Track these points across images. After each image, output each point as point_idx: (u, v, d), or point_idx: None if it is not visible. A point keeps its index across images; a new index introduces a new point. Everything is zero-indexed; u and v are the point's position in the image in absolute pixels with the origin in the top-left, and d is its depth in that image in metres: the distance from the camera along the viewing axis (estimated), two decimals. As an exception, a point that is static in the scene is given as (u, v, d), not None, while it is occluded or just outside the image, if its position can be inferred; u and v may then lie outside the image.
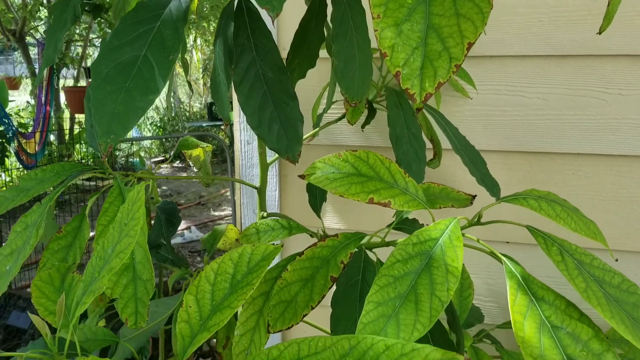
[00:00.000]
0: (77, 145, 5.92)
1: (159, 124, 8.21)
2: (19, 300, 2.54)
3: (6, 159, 4.26)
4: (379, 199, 0.63)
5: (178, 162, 7.60)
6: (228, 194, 6.12)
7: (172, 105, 8.47)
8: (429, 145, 1.14)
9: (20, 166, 4.82)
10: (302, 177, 0.68)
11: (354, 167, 0.66)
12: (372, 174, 0.66)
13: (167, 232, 0.90)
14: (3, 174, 5.34)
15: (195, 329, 0.61)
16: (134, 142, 7.16)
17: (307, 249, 0.70)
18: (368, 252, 0.73)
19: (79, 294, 0.62)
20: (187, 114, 8.53)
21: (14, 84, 6.81)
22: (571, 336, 0.54)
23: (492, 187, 0.98)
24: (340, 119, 1.05)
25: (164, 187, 6.49)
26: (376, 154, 0.67)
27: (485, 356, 0.93)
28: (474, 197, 0.78)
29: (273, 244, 0.67)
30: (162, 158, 7.70)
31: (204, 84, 8.33)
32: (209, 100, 8.11)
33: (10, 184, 4.95)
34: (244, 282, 0.63)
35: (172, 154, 1.13)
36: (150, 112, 8.54)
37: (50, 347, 0.61)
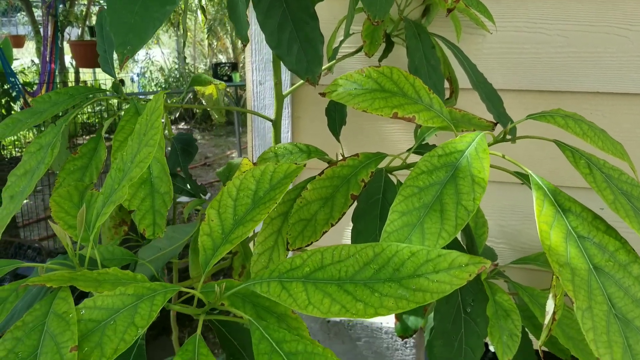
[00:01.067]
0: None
1: (163, 85, 8.15)
2: (29, 250, 2.56)
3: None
4: (403, 114, 0.62)
5: (183, 123, 7.57)
6: (234, 155, 6.11)
7: (177, 65, 8.39)
8: (445, 84, 1.12)
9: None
10: (323, 94, 0.67)
11: (377, 83, 0.65)
12: (395, 90, 0.64)
13: (183, 162, 0.89)
14: (9, 132, 5.30)
15: (217, 242, 0.60)
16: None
17: (326, 168, 0.69)
18: (389, 175, 0.72)
19: (99, 206, 0.62)
20: (192, 75, 8.44)
21: (19, 41, 6.74)
22: (598, 246, 0.53)
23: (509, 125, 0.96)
24: (357, 51, 1.03)
25: (168, 149, 6.48)
26: (400, 69, 0.65)
27: (500, 290, 0.93)
28: (495, 124, 0.77)
29: (295, 164, 0.66)
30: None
31: (209, 45, 8.23)
32: (214, 61, 8.02)
33: (17, 142, 4.94)
34: (266, 197, 0.63)
35: (184, 90, 1.11)
36: (155, 74, 8.47)
37: (72, 258, 0.61)
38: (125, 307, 0.52)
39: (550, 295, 0.63)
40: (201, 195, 0.92)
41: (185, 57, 8.41)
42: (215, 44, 7.99)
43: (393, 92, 0.64)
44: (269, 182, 0.64)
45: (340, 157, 0.82)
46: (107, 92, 0.81)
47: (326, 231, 0.67)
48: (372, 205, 0.66)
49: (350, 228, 0.67)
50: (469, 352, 0.66)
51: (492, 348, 1.56)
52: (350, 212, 0.69)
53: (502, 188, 1.20)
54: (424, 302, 0.50)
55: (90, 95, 0.80)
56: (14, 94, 4.19)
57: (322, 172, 0.68)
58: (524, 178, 0.65)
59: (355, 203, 0.67)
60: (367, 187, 0.67)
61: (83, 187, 0.70)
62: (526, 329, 1.01)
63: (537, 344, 1.03)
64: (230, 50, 7.90)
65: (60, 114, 0.81)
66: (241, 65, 7.22)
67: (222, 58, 8.06)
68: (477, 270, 0.50)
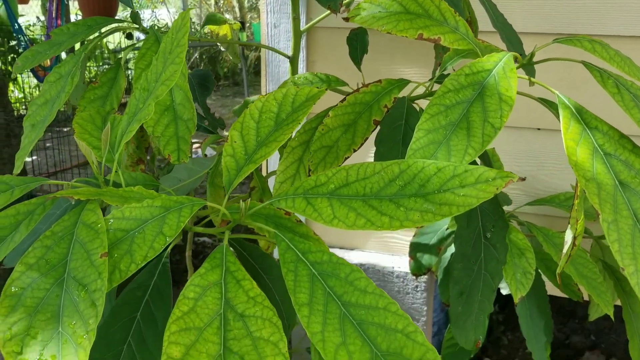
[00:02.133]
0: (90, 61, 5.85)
1: (170, 46, 8.07)
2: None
3: (18, 75, 4.22)
4: (429, 35, 0.61)
5: (190, 84, 7.50)
6: (241, 116, 6.08)
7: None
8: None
9: (32, 82, 4.79)
10: (346, 19, 0.66)
11: (401, 5, 0.64)
12: (420, 12, 0.63)
13: (200, 96, 0.88)
14: (16, 91, 5.31)
15: (240, 163, 0.61)
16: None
17: (348, 94, 0.69)
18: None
19: (124, 126, 0.62)
20: (198, 35, 8.35)
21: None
22: (624, 164, 0.53)
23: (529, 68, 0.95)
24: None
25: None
26: (425, -8, 0.64)
27: (515, 229, 0.93)
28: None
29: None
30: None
31: (215, 4, 8.11)
32: (221, 21, 7.90)
33: (23, 99, 4.93)
34: (288, 119, 0.62)
35: (199, 30, 1.10)
36: (161, 34, 8.36)
37: (97, 176, 0.62)
38: (153, 218, 0.53)
39: (570, 225, 0.63)
40: (219, 130, 0.92)
41: (190, 18, 8.30)
42: (221, 2, 7.88)
43: (418, 14, 0.63)
44: (291, 104, 0.64)
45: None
46: (126, 23, 0.80)
47: (348, 157, 0.67)
48: (394, 131, 0.66)
49: (372, 153, 0.67)
50: (488, 277, 0.67)
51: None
52: (372, 139, 0.68)
53: (518, 133, 1.19)
54: (450, 215, 0.50)
55: (110, 26, 0.80)
56: (20, 50, 4.16)
57: (344, 99, 0.68)
58: (549, 104, 0.65)
59: (378, 128, 0.67)
60: (390, 113, 0.67)
61: (105, 112, 0.70)
62: (539, 270, 1.02)
63: (550, 286, 1.04)
64: (236, 10, 7.79)
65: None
66: (247, 25, 7.13)
67: (229, 17, 7.95)
68: (505, 183, 0.51)
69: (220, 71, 7.04)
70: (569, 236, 0.65)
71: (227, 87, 7.29)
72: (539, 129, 1.17)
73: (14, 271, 0.50)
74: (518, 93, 0.66)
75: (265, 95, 0.64)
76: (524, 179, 0.51)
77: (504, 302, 2.22)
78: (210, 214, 0.64)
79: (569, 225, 0.60)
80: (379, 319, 0.48)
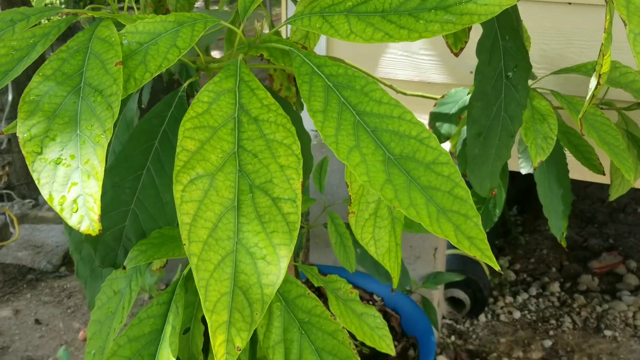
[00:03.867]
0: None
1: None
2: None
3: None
4: None
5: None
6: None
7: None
8: None
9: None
10: None
11: None
12: None
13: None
14: None
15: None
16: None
17: None
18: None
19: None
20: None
21: None
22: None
23: None
24: None
25: None
26: None
27: (538, 96, 0.91)
28: None
29: None
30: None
31: None
32: None
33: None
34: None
35: None
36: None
37: (110, 2, 0.61)
38: (166, 32, 0.52)
39: (595, 70, 0.61)
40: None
41: None
42: None
43: None
44: None
45: None
46: None
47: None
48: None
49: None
50: (507, 121, 0.66)
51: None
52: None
53: (546, 8, 1.14)
54: (471, 24, 0.49)
55: None
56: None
57: None
58: None
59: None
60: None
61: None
62: (561, 143, 1.00)
63: (572, 169, 1.02)
64: None
65: None
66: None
67: None
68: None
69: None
70: (593, 82, 0.63)
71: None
72: (569, 3, 1.12)
73: (32, 81, 0.51)
74: None
75: None
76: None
77: (522, 206, 2.22)
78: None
79: (594, 72, 0.59)
80: (393, 126, 0.48)
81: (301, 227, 1.27)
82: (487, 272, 1.66)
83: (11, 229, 2.21)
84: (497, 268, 0.41)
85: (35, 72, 0.51)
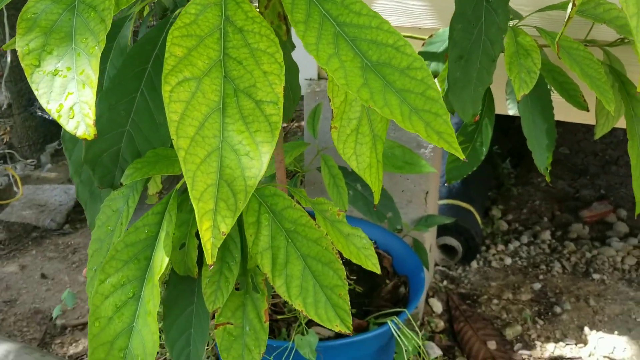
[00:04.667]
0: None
1: None
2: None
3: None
4: None
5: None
6: None
7: None
8: None
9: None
10: None
11: None
12: None
13: None
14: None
15: None
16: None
17: None
18: None
19: None
20: None
21: None
22: None
23: None
24: None
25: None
26: None
27: (523, 32, 0.93)
28: None
29: None
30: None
31: None
32: None
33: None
34: None
35: None
36: None
37: None
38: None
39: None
40: None
41: None
42: None
43: None
44: None
45: None
46: None
47: None
48: None
49: None
50: (488, 44, 0.68)
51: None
52: None
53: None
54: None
55: None
56: None
57: None
58: None
59: None
60: None
61: None
62: (546, 81, 1.02)
63: (558, 112, 1.05)
64: None
65: None
66: None
67: None
68: None
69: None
70: (570, 7, 0.66)
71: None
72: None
73: (29, 0, 0.53)
74: None
75: None
76: None
77: (517, 160, 2.25)
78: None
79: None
80: (371, 35, 0.51)
81: (296, 172, 1.31)
82: (480, 221, 1.70)
83: (15, 189, 2.25)
84: (462, 157, 0.44)
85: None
